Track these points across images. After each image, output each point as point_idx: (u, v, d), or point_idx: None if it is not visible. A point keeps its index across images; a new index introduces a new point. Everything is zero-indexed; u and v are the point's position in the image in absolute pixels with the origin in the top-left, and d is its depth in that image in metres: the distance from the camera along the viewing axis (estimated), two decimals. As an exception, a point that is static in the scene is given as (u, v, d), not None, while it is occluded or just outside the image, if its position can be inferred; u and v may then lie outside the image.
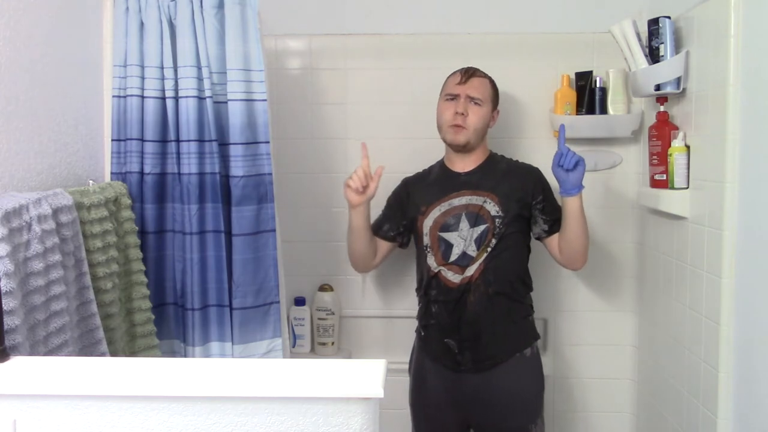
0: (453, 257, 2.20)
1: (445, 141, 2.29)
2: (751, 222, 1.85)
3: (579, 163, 2.10)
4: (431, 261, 2.24)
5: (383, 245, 2.37)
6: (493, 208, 2.20)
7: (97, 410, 1.10)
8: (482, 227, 2.19)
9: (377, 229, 2.37)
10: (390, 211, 2.38)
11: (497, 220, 2.19)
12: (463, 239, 2.20)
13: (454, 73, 2.30)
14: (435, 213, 2.25)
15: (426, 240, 2.25)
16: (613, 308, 2.66)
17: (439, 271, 2.21)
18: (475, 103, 2.24)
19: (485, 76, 2.30)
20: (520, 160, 2.37)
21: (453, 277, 2.20)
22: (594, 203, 2.62)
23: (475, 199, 2.22)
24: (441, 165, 2.37)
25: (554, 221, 2.25)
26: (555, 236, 2.25)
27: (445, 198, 2.25)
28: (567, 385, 2.69)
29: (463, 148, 2.26)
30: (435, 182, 2.32)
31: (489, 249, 2.19)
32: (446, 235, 2.22)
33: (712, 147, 1.99)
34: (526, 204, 2.24)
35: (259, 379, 1.15)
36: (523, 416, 2.23)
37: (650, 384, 2.51)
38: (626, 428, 2.69)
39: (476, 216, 2.20)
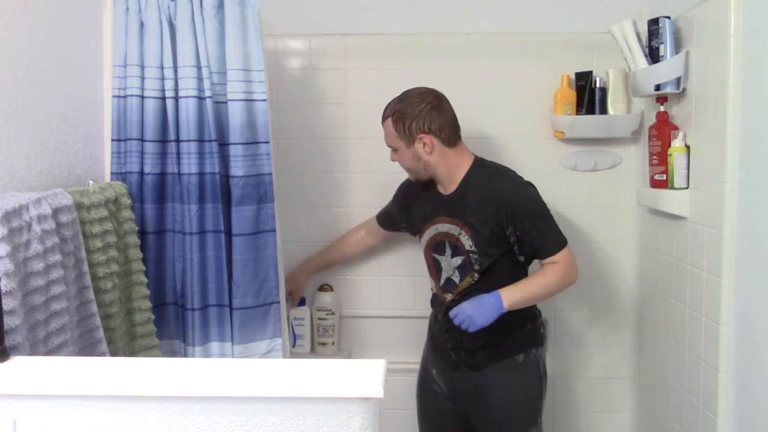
0: (442, 281, 2.23)
1: None
2: (751, 222, 1.85)
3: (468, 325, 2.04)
4: (431, 279, 2.31)
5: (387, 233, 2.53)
6: (467, 242, 2.13)
7: (97, 410, 1.10)
8: (460, 259, 2.16)
9: (384, 223, 2.51)
10: (394, 209, 2.46)
11: (472, 255, 2.13)
12: (448, 264, 2.20)
13: None
14: (427, 235, 2.25)
15: (425, 256, 2.31)
16: (612, 308, 2.66)
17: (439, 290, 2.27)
18: (393, 150, 2.21)
19: (388, 116, 2.16)
20: (505, 166, 2.22)
21: (445, 294, 2.24)
22: (594, 203, 2.62)
23: (452, 229, 2.16)
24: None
25: (531, 253, 2.14)
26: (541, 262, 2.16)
27: (433, 222, 2.22)
28: (567, 385, 2.69)
29: (429, 182, 2.23)
30: (427, 201, 2.26)
31: (473, 281, 2.15)
32: (438, 257, 2.24)
33: (712, 147, 1.99)
34: (500, 237, 2.10)
35: (259, 379, 1.15)
36: (514, 423, 2.19)
37: (650, 384, 2.51)
38: (626, 428, 2.69)
39: (454, 246, 2.17)
